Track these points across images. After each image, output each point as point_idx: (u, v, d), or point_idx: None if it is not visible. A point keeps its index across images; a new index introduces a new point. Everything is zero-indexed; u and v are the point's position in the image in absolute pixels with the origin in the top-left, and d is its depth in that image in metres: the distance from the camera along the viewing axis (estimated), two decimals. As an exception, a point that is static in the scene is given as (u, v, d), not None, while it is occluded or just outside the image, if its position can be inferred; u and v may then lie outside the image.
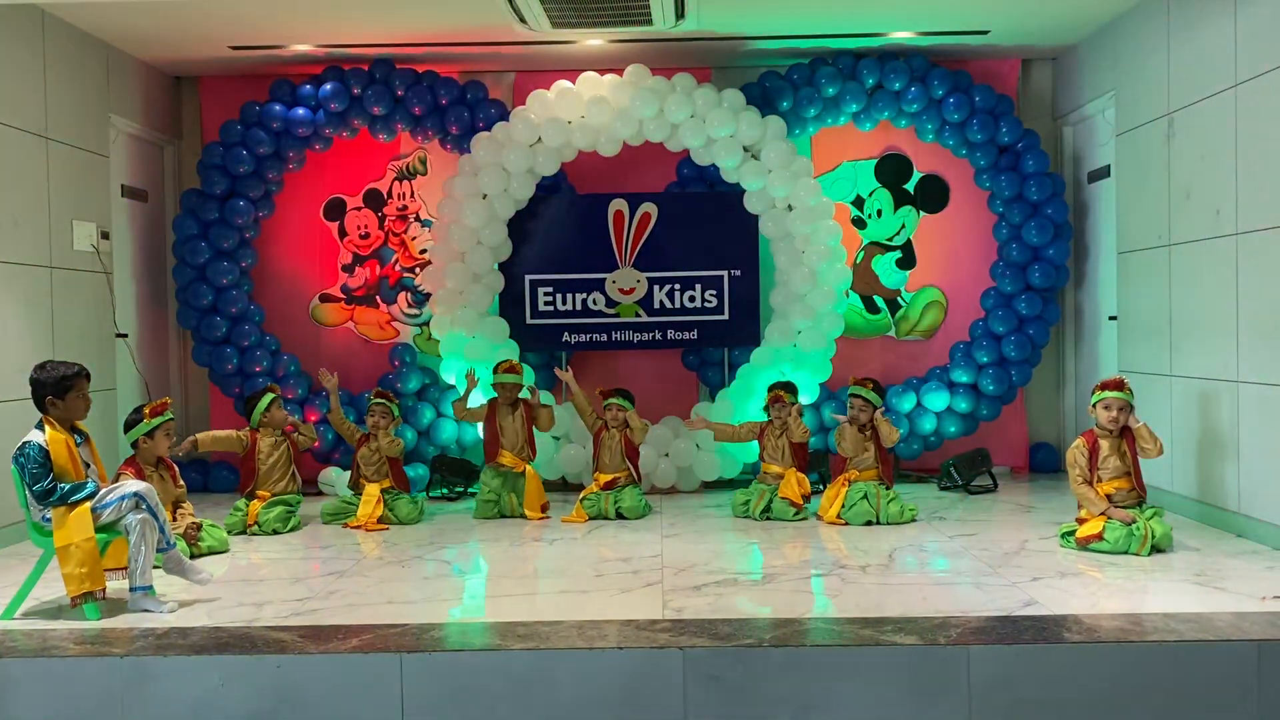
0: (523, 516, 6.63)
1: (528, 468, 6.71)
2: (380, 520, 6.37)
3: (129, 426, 5.62)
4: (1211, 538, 5.68)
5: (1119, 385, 5.57)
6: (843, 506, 6.23)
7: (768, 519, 6.42)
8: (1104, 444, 5.57)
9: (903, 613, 4.32)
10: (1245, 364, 5.67)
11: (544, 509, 6.69)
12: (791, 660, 3.83)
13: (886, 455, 6.44)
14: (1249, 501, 5.67)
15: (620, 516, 6.55)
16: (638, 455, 6.83)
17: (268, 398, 6.49)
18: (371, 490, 6.47)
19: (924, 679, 3.81)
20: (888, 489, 6.30)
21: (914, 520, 6.29)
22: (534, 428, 6.81)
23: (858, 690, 3.81)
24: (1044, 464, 8.06)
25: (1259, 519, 5.56)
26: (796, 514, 6.37)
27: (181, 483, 5.80)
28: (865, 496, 6.23)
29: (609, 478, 6.69)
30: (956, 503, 6.96)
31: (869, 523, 6.18)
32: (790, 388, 6.71)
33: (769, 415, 6.67)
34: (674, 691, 3.80)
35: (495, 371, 6.84)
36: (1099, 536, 5.36)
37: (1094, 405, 5.63)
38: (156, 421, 5.57)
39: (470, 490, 7.45)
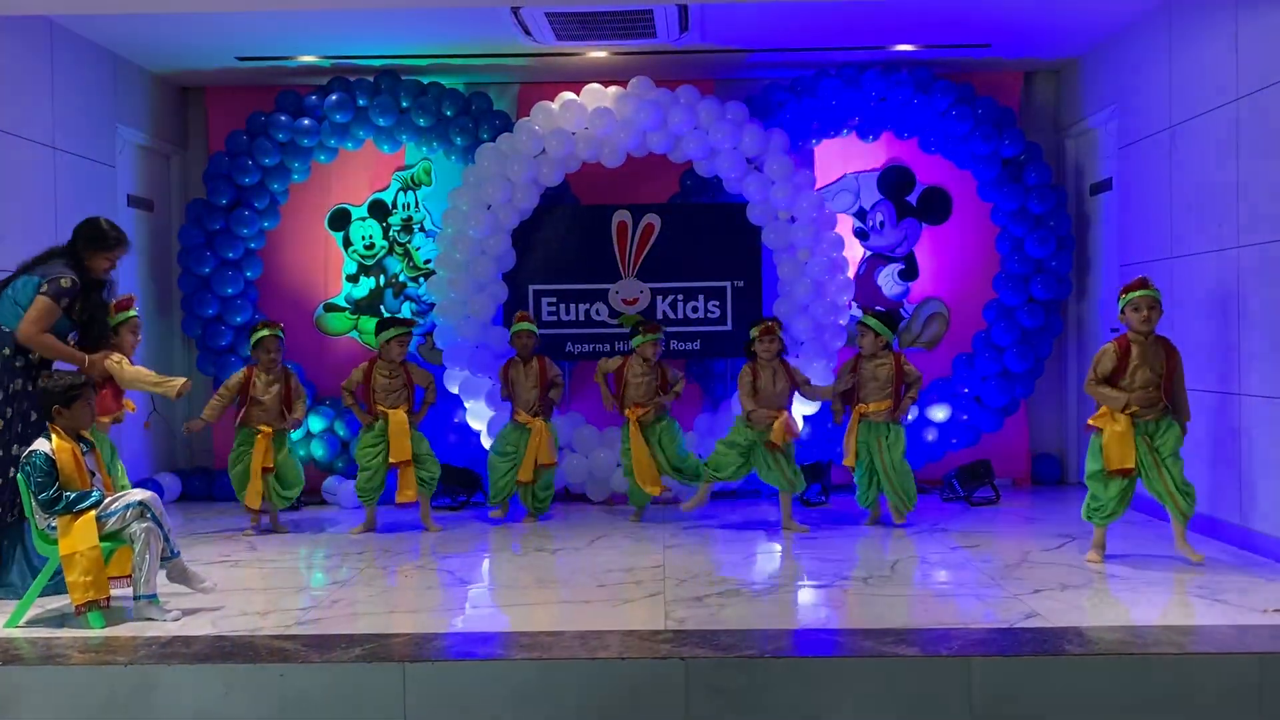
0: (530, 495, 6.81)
1: (540, 423, 6.77)
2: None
3: None
4: (1213, 550, 5.68)
5: (1144, 284, 5.32)
6: (855, 456, 6.46)
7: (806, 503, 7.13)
8: (1135, 349, 5.34)
9: (904, 624, 4.33)
10: (1246, 377, 5.68)
11: (555, 452, 6.89)
12: (793, 671, 3.84)
13: (899, 390, 6.39)
14: (1250, 514, 5.67)
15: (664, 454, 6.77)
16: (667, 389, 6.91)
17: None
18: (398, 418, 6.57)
19: (925, 691, 3.82)
20: (892, 431, 6.38)
21: (913, 506, 6.48)
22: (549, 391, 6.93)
23: (859, 702, 3.82)
24: (1046, 475, 8.06)
25: (1261, 531, 5.56)
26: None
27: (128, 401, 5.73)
28: (869, 450, 6.41)
29: (641, 412, 6.77)
30: (959, 514, 6.97)
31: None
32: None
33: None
34: (676, 702, 3.81)
35: (510, 325, 6.99)
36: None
37: (1123, 310, 5.39)
38: (120, 318, 5.61)
39: (474, 501, 7.46)
